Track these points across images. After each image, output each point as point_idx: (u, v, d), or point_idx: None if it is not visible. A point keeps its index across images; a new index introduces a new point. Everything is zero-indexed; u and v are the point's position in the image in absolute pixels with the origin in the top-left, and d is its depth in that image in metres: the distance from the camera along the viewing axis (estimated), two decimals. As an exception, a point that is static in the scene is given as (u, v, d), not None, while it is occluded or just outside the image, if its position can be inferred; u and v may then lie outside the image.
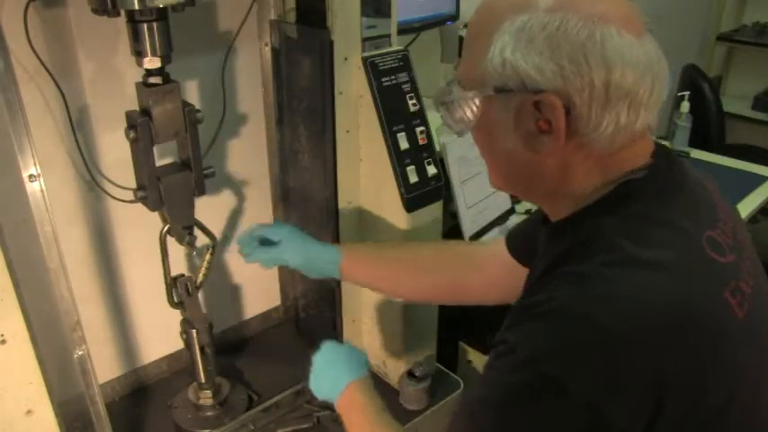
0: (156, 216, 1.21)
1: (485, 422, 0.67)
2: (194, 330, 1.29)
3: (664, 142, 2.30)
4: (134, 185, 1.17)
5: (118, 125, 1.12)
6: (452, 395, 1.41)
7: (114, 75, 1.20)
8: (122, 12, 0.98)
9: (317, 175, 1.36)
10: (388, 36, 1.29)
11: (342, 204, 1.35)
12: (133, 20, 1.02)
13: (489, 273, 1.10)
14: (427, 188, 1.29)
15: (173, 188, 1.16)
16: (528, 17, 0.67)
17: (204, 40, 1.31)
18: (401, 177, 1.26)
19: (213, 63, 1.33)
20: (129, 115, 1.10)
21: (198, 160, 1.17)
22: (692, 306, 0.64)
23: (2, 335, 0.89)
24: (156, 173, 1.14)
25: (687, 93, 2.28)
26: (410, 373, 1.36)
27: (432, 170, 1.29)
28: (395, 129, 1.25)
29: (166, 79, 1.08)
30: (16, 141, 0.89)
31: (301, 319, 1.63)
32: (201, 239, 1.28)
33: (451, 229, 1.62)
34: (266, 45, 1.39)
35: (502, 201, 1.80)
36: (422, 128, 1.29)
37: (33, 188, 0.92)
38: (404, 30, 1.72)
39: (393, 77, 1.26)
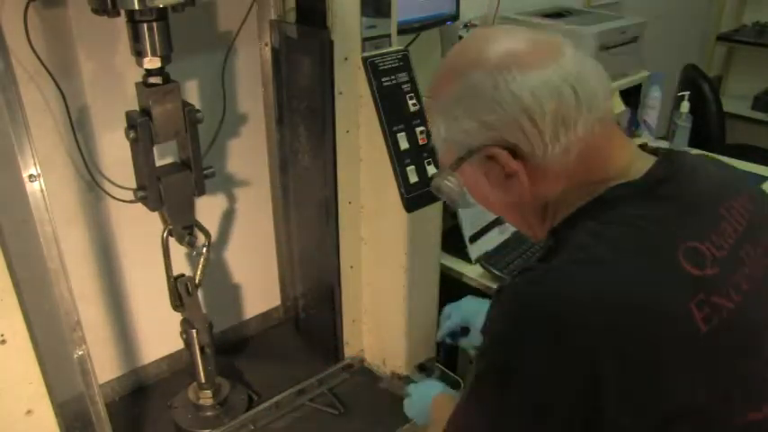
0: (156, 216, 1.20)
1: (464, 410, 0.77)
2: (194, 330, 1.29)
3: (664, 142, 2.31)
4: (134, 185, 1.17)
5: (118, 125, 1.12)
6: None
7: (114, 75, 1.20)
8: (122, 12, 0.98)
9: (317, 175, 1.36)
10: (388, 36, 1.29)
11: (342, 204, 1.35)
12: (133, 20, 1.02)
13: None
14: (427, 188, 1.29)
15: (173, 188, 1.16)
16: (444, 95, 0.76)
17: (204, 40, 1.31)
18: (401, 177, 1.26)
19: (213, 63, 1.33)
20: (129, 115, 1.10)
21: (198, 160, 1.17)
22: (637, 307, 0.66)
23: (2, 335, 0.89)
24: (156, 173, 1.14)
25: (687, 93, 2.28)
26: (421, 367, 1.37)
27: (432, 170, 1.29)
28: (395, 129, 1.25)
29: (166, 79, 1.08)
30: (16, 141, 0.89)
31: (301, 319, 1.63)
32: (201, 239, 1.28)
33: (451, 229, 1.62)
34: (266, 45, 1.39)
35: (502, 201, 1.79)
36: (422, 128, 1.29)
37: (33, 188, 0.92)
38: (404, 30, 1.72)
39: (393, 77, 1.26)
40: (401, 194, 1.26)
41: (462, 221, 1.64)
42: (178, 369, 1.50)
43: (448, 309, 1.29)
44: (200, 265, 1.29)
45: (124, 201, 1.26)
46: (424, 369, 1.36)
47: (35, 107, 1.12)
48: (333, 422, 1.36)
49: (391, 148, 1.25)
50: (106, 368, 1.40)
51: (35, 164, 0.91)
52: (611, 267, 0.68)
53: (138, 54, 1.04)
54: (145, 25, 1.02)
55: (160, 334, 1.44)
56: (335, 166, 1.30)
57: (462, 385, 1.43)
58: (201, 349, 1.31)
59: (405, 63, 1.28)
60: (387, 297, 1.41)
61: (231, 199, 1.49)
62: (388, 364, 1.47)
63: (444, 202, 1.36)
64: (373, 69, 1.24)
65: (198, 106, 1.14)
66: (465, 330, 1.26)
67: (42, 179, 0.92)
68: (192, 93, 1.32)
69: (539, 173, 0.75)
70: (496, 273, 1.56)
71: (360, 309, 1.49)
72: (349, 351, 1.52)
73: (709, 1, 3.73)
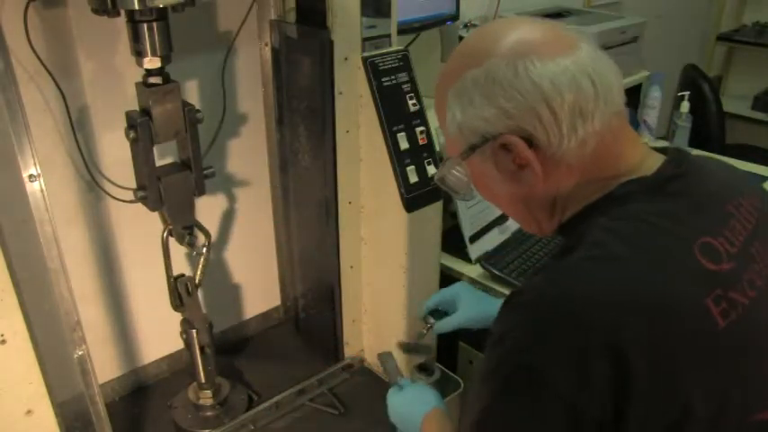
0: (156, 216, 1.20)
1: (487, 420, 0.72)
2: (194, 330, 1.29)
3: (664, 142, 2.30)
4: (134, 185, 1.17)
5: (118, 125, 1.12)
6: (453, 395, 1.41)
7: (114, 75, 1.20)
8: (122, 12, 0.98)
9: (317, 175, 1.36)
10: (388, 36, 1.29)
11: (342, 204, 1.35)
12: (133, 20, 1.02)
13: None
14: (427, 188, 1.29)
15: (173, 188, 1.16)
16: (461, 80, 0.75)
17: (204, 40, 1.31)
18: (401, 177, 1.26)
19: (213, 63, 1.33)
20: (129, 115, 1.10)
21: (198, 160, 1.17)
22: (658, 304, 0.66)
23: (2, 335, 0.89)
24: (156, 173, 1.14)
25: (687, 93, 2.27)
26: (421, 367, 1.37)
27: (432, 170, 1.29)
28: (395, 129, 1.25)
29: (166, 79, 1.08)
30: (16, 141, 0.89)
31: (301, 319, 1.63)
32: (201, 239, 1.28)
33: (451, 229, 1.62)
34: (266, 45, 1.39)
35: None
36: (422, 128, 1.29)
37: (33, 188, 0.92)
38: (404, 30, 1.72)
39: (393, 77, 1.26)
40: (401, 194, 1.26)
41: (462, 221, 1.64)
42: (178, 369, 1.50)
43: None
44: (200, 265, 1.29)
45: (124, 201, 1.26)
46: (424, 369, 1.36)
47: (35, 107, 1.12)
48: (333, 422, 1.36)
49: (391, 148, 1.25)
50: (106, 368, 1.40)
51: (35, 164, 0.91)
52: (629, 264, 0.68)
53: (138, 54, 1.04)
54: (145, 25, 1.02)
55: (160, 334, 1.44)
56: (335, 166, 1.30)
57: (462, 386, 1.43)
58: (201, 349, 1.31)
59: (405, 63, 1.28)
60: (387, 297, 1.41)
61: (231, 199, 1.49)
62: (384, 369, 1.46)
63: (444, 202, 1.36)
64: (373, 69, 1.24)
65: (198, 106, 1.14)
66: (441, 313, 1.23)
67: (42, 179, 0.92)
68: (192, 93, 1.32)
69: (552, 165, 0.74)
70: (496, 273, 1.56)
71: (360, 309, 1.49)
72: (349, 351, 1.52)
73: (709, 1, 3.73)
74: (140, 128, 1.08)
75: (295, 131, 1.39)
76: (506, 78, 0.71)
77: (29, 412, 0.95)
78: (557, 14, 2.31)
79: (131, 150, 1.12)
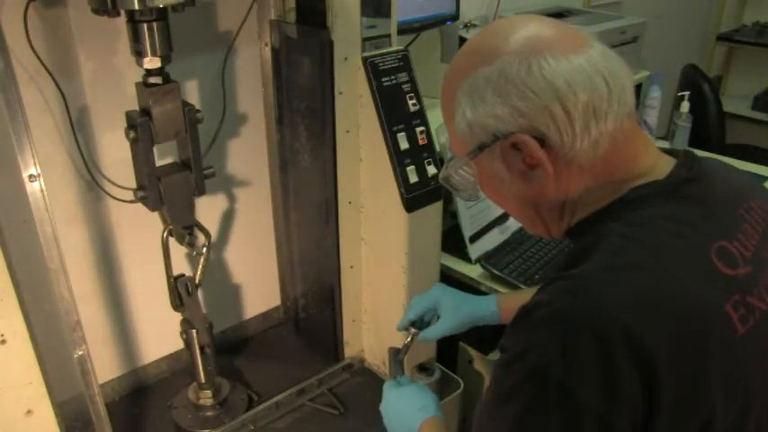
0: (156, 216, 1.20)
1: None
2: (194, 330, 1.29)
3: (664, 142, 2.31)
4: (134, 185, 1.17)
5: (118, 125, 1.12)
6: (452, 395, 1.41)
7: (114, 75, 1.20)
8: (122, 12, 0.98)
9: (317, 175, 1.36)
10: (388, 36, 1.29)
11: (342, 204, 1.35)
12: (133, 20, 1.02)
13: None
14: (427, 188, 1.29)
15: (173, 188, 1.16)
16: (472, 78, 0.72)
17: (204, 40, 1.31)
18: (401, 177, 1.26)
19: (213, 63, 1.33)
20: (129, 115, 1.10)
21: (198, 160, 1.17)
22: (683, 311, 0.65)
23: (2, 335, 0.89)
24: (156, 173, 1.14)
25: (687, 93, 2.27)
26: (421, 367, 1.36)
27: (432, 170, 1.29)
28: (395, 129, 1.25)
29: (166, 79, 1.08)
30: (16, 141, 0.89)
31: (301, 319, 1.63)
32: (201, 239, 1.28)
33: (451, 229, 1.62)
34: (266, 45, 1.39)
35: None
36: (422, 128, 1.29)
37: (33, 188, 0.92)
38: (404, 30, 1.72)
39: (393, 77, 1.26)
40: (401, 194, 1.26)
41: (462, 221, 1.64)
42: (178, 369, 1.50)
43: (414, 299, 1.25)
44: (200, 265, 1.29)
45: (124, 201, 1.26)
46: (424, 369, 1.36)
47: (35, 107, 1.12)
48: (333, 422, 1.36)
49: (391, 148, 1.25)
50: (106, 368, 1.40)
51: (35, 164, 0.91)
52: (651, 272, 0.66)
53: (138, 54, 1.04)
54: (145, 25, 1.02)
55: (160, 334, 1.44)
56: (335, 166, 1.30)
57: (462, 386, 1.43)
58: (201, 349, 1.31)
59: (405, 63, 1.28)
60: (387, 297, 1.41)
61: (231, 199, 1.49)
62: (389, 364, 1.46)
63: (444, 202, 1.36)
64: (373, 69, 1.24)
65: (198, 106, 1.14)
66: (423, 323, 1.23)
67: (42, 179, 0.92)
68: (192, 93, 1.32)
69: (563, 166, 0.72)
70: (496, 273, 1.56)
71: (360, 309, 1.49)
72: (349, 351, 1.52)
73: (709, 1, 3.73)
74: (140, 128, 1.08)
75: (295, 131, 1.39)
76: (519, 76, 0.69)
77: (29, 412, 0.95)
78: (557, 14, 2.31)
79: (131, 150, 1.12)
